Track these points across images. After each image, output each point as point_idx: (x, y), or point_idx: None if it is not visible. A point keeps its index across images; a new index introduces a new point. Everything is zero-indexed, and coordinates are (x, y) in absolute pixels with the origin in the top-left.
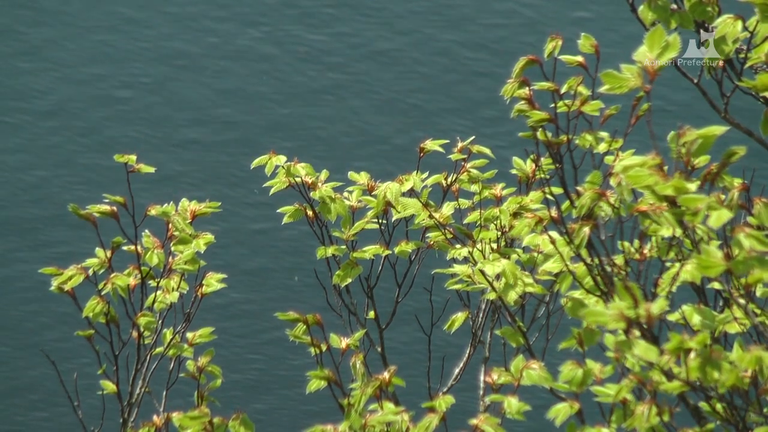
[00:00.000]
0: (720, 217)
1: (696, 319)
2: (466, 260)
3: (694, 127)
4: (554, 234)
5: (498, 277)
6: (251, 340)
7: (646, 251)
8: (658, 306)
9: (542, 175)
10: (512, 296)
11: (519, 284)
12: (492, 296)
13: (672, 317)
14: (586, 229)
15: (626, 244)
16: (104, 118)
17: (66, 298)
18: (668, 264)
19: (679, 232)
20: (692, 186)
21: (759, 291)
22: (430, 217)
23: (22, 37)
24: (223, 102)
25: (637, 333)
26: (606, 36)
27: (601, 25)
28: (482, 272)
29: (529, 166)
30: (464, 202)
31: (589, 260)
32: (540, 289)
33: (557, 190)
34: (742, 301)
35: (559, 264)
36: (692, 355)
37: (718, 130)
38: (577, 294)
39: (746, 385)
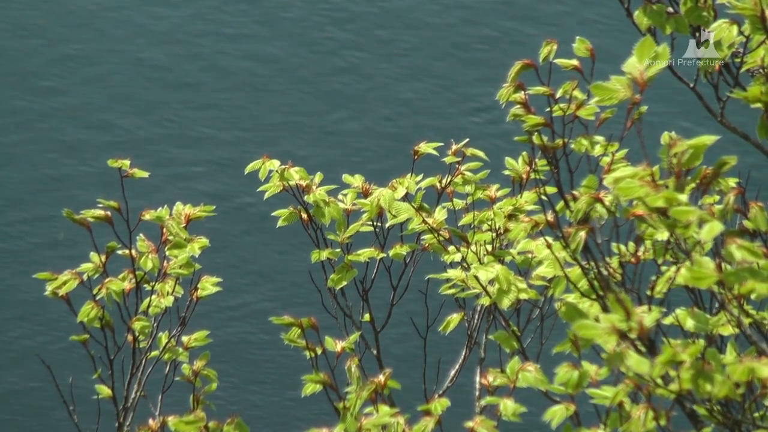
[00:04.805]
0: (712, 229)
1: (690, 323)
2: (459, 264)
3: (684, 137)
4: (549, 239)
5: (492, 282)
6: (247, 342)
7: (641, 254)
8: (650, 318)
9: (536, 176)
10: (506, 303)
11: (512, 290)
12: (485, 301)
13: (667, 321)
14: (583, 233)
15: (622, 247)
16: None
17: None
18: (663, 268)
19: (673, 238)
20: (683, 197)
21: (753, 293)
22: (424, 222)
23: None
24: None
25: (633, 335)
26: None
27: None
28: (476, 278)
29: (522, 166)
30: (459, 203)
31: (585, 264)
32: (534, 294)
33: (551, 190)
34: (735, 311)
35: (552, 269)
36: (685, 365)
37: (709, 139)
38: (572, 298)
39: (739, 396)
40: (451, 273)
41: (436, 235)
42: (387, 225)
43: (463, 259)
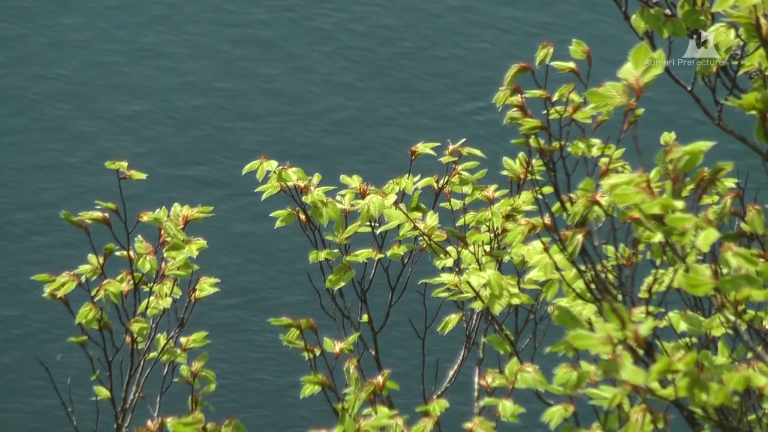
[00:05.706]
0: (708, 237)
1: (683, 326)
2: (453, 268)
3: (680, 143)
4: (544, 242)
5: (484, 286)
6: (245, 343)
7: (635, 256)
8: (646, 327)
9: (533, 177)
10: (498, 308)
11: (504, 295)
12: (478, 305)
13: (661, 324)
14: (580, 237)
15: (617, 252)
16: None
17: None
18: (660, 272)
19: (669, 242)
20: (679, 204)
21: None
22: (415, 228)
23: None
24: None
25: (629, 339)
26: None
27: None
28: (468, 283)
29: (519, 166)
30: (457, 204)
31: (582, 267)
32: (526, 298)
33: (548, 190)
34: (731, 316)
35: (545, 272)
36: (680, 373)
37: (705, 145)
38: (564, 301)
39: (735, 404)
40: (444, 277)
41: (428, 240)
42: (378, 232)
43: (456, 263)
